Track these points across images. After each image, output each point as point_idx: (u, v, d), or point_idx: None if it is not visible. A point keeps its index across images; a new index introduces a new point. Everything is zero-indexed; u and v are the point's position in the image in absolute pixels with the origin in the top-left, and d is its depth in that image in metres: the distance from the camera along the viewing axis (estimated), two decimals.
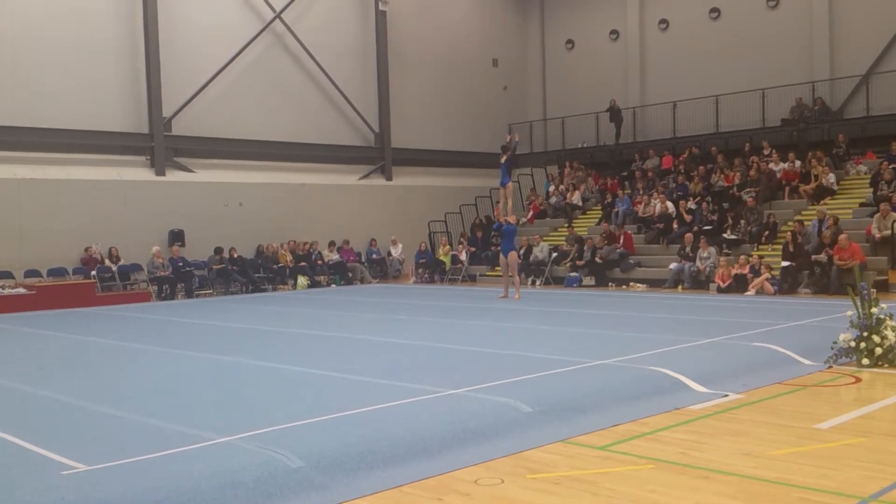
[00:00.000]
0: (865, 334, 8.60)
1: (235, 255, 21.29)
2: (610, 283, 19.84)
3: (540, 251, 21.56)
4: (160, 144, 21.55)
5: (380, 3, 26.03)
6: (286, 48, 24.42)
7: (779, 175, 21.12)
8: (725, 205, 20.36)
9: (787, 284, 16.64)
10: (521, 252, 21.83)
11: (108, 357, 10.60)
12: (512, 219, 17.20)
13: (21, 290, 17.71)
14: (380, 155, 26.61)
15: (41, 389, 8.08)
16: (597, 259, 20.07)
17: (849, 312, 8.85)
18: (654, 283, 19.11)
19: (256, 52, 23.68)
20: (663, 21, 27.19)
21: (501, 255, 17.23)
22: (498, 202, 18.62)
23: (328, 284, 22.72)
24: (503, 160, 17.73)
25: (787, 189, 20.79)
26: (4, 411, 7.23)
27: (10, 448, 5.79)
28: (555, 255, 21.32)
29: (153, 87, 21.33)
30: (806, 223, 18.04)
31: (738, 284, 16.94)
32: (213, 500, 4.68)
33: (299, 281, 22.05)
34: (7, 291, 17.52)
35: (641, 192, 23.14)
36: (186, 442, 5.65)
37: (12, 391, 8.18)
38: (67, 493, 4.62)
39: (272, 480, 4.96)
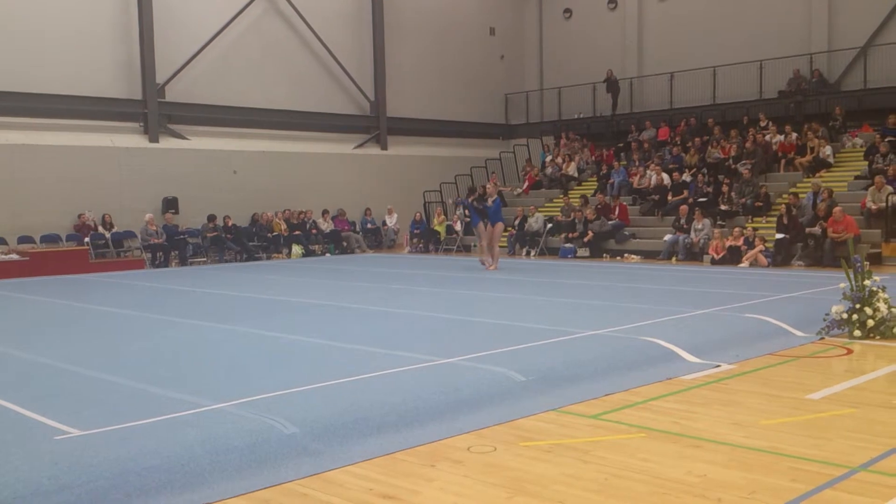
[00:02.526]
0: (858, 306, 8.63)
1: (229, 224, 21.24)
2: (604, 255, 19.87)
3: (535, 222, 21.54)
4: (154, 111, 21.39)
5: None
6: (281, 14, 24.18)
7: (775, 147, 21.08)
8: (721, 176, 20.34)
9: (780, 257, 16.69)
10: (516, 223, 21.86)
11: (101, 323, 10.59)
12: (490, 188, 17.11)
13: (14, 257, 17.67)
14: (375, 124, 26.47)
15: (34, 355, 8.07)
16: (587, 236, 20.05)
17: (842, 285, 8.89)
18: (649, 255, 19.15)
19: (251, 19, 23.44)
20: None
21: (489, 225, 16.84)
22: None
23: (323, 253, 22.71)
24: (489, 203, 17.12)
25: (782, 161, 20.77)
26: None
27: (3, 413, 5.79)
28: (549, 226, 21.31)
29: (146, 52, 21.13)
30: (801, 195, 18.04)
31: (732, 256, 16.97)
32: (207, 465, 4.70)
33: (294, 250, 22.03)
34: (0, 258, 17.47)
35: (637, 163, 23.09)
36: (180, 408, 5.66)
37: (5, 356, 8.17)
38: (61, 457, 4.63)
39: (266, 446, 4.98)
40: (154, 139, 21.45)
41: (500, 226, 16.89)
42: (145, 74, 21.24)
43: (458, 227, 23.36)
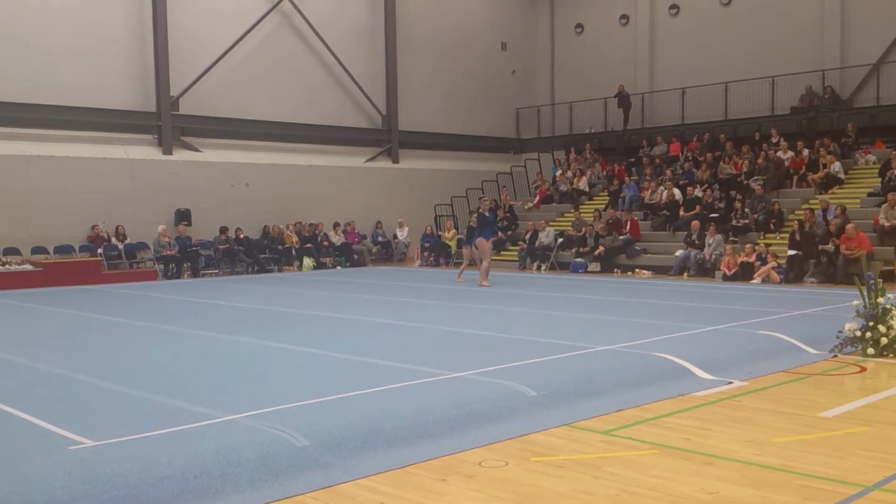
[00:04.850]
0: (871, 324, 8.59)
1: (241, 236, 21.34)
2: (615, 270, 19.83)
3: (545, 236, 21.54)
4: (167, 123, 21.54)
5: None
6: (294, 28, 24.34)
7: (787, 163, 21.04)
8: (733, 192, 20.30)
9: (793, 273, 16.62)
10: (527, 237, 21.87)
11: (114, 334, 10.64)
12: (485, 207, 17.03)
13: (28, 267, 17.77)
14: (387, 137, 26.56)
15: (48, 365, 8.12)
16: (597, 251, 20.01)
17: (855, 302, 8.83)
18: (660, 270, 19.09)
19: (264, 33, 23.61)
20: (674, 6, 27.03)
21: (481, 239, 16.41)
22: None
23: (334, 266, 22.76)
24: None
25: (795, 178, 20.71)
26: (11, 386, 7.27)
27: (17, 423, 5.83)
28: (560, 240, 21.30)
29: (161, 65, 21.30)
30: (815, 211, 17.98)
31: (744, 272, 16.91)
32: (218, 477, 4.71)
33: (305, 262, 22.10)
34: (14, 268, 17.59)
35: (648, 178, 23.09)
36: (192, 419, 5.68)
37: (19, 366, 8.22)
38: (74, 467, 4.65)
39: (277, 458, 4.99)
40: (167, 151, 21.58)
41: (481, 242, 16.37)
42: (159, 87, 21.40)
43: None
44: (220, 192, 22.03)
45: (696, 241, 18.75)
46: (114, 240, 19.91)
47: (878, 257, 16.24)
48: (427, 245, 23.79)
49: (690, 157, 23.26)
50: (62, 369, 7.87)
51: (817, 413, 6.39)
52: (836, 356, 8.61)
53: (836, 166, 20.14)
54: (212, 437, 5.27)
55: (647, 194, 22.14)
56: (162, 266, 19.91)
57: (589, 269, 20.04)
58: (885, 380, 7.77)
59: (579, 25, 29.64)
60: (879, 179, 19.18)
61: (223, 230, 21.09)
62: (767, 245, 17.48)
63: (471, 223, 17.51)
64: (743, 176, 20.91)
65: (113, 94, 20.74)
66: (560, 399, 6.58)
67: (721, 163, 21.98)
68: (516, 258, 21.99)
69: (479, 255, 16.49)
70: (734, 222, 19.18)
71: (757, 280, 16.59)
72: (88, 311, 13.09)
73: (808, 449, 5.43)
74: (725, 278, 17.14)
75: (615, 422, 6.16)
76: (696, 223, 19.11)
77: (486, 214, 17.08)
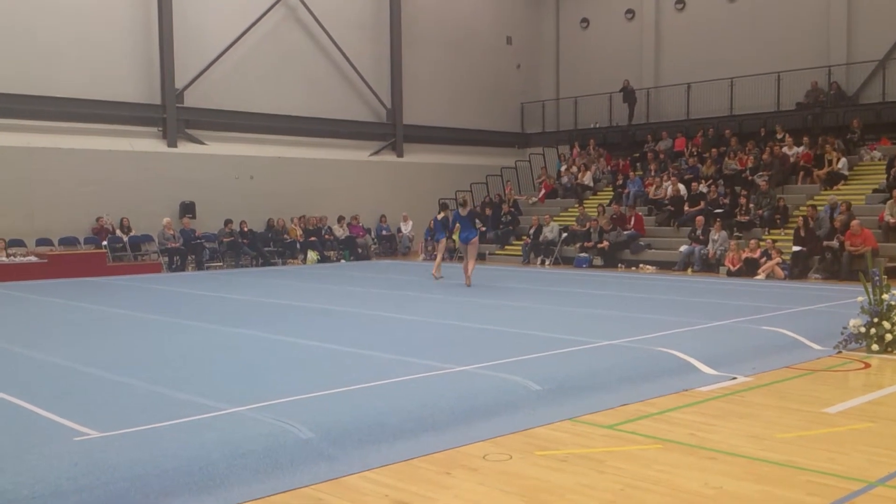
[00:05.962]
0: (876, 320, 8.59)
1: (245, 229, 21.36)
2: (619, 265, 19.83)
3: (550, 231, 21.53)
4: (172, 116, 21.54)
5: None
6: (299, 22, 24.32)
7: (792, 159, 20.99)
8: (738, 188, 20.27)
9: (797, 269, 16.60)
10: (531, 232, 21.87)
11: (119, 326, 10.66)
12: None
13: (33, 259, 17.81)
14: (391, 131, 26.55)
15: (53, 356, 8.14)
16: (602, 244, 19.99)
17: (859, 298, 8.83)
18: (664, 266, 19.09)
19: (269, 26, 23.59)
20: (680, 1, 26.94)
21: (460, 241, 15.80)
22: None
23: (338, 259, 22.78)
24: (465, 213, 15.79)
25: (801, 174, 20.66)
26: (17, 377, 7.30)
27: (23, 414, 5.85)
28: (564, 235, 21.30)
29: (166, 58, 21.29)
30: (819, 208, 17.97)
31: (749, 268, 16.90)
32: (223, 469, 4.73)
33: (309, 255, 22.12)
34: (19, 259, 17.62)
35: (653, 173, 23.06)
36: (198, 411, 5.70)
37: (24, 358, 8.25)
38: (80, 458, 4.67)
39: (282, 450, 5.01)
40: (172, 144, 21.60)
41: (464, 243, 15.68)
42: (164, 79, 21.40)
43: None
44: (224, 185, 22.03)
45: (701, 237, 18.74)
46: (118, 232, 19.93)
47: (882, 254, 16.21)
48: (431, 239, 23.78)
49: (695, 153, 23.21)
50: (67, 361, 7.89)
51: (821, 409, 6.39)
52: (840, 352, 8.61)
53: (842, 163, 20.09)
54: (217, 429, 5.29)
55: (651, 189, 22.12)
56: (166, 258, 19.94)
57: (593, 264, 20.04)
58: (889, 376, 7.76)
59: (585, 20, 29.56)
60: (885, 176, 19.15)
61: (227, 223, 21.11)
62: (774, 241, 17.45)
63: (437, 218, 16.83)
64: (748, 171, 20.87)
65: (118, 86, 20.75)
66: (564, 393, 6.59)
67: (726, 158, 21.94)
68: (520, 253, 22.00)
69: (471, 253, 15.94)
70: (739, 218, 19.15)
71: (761, 276, 16.58)
72: (93, 304, 13.10)
73: (812, 444, 5.43)
74: (730, 274, 17.13)
75: (619, 416, 6.17)
76: (700, 219, 19.09)
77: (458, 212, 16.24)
